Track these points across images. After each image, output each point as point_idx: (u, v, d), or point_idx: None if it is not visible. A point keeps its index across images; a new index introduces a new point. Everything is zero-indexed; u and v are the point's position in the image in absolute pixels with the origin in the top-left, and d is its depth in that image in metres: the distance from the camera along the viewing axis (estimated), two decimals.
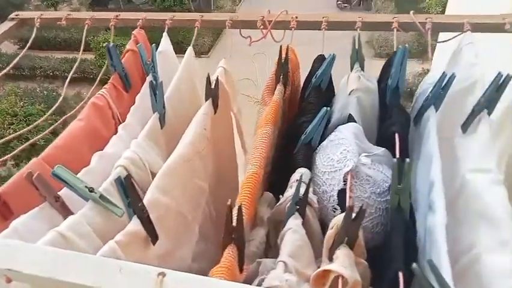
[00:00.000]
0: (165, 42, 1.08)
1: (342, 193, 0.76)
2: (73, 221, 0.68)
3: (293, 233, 0.66)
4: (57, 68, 9.01)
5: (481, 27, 0.97)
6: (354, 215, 0.61)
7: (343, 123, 0.87)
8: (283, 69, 0.92)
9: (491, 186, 0.71)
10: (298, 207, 0.70)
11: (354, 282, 0.59)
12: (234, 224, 0.61)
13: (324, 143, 0.85)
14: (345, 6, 10.97)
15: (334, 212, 0.78)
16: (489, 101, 0.80)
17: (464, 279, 0.70)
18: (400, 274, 0.59)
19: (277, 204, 0.78)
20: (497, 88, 0.80)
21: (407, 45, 0.87)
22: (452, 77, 0.83)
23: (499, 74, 0.78)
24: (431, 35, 0.98)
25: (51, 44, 9.76)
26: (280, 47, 0.90)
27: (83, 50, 1.16)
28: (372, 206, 0.78)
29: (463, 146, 0.82)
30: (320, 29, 1.02)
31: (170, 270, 0.53)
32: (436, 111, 0.88)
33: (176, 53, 1.13)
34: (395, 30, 0.99)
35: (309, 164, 0.82)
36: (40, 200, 0.73)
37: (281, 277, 0.57)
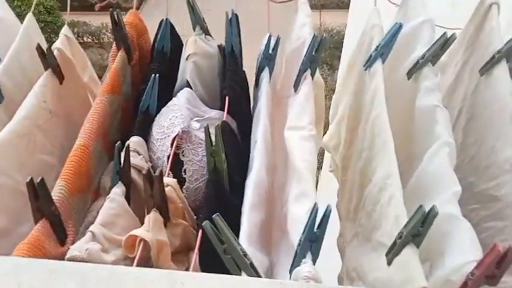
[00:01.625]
0: (3, 8, 1.01)
1: (173, 160, 0.80)
2: None
3: (110, 201, 0.69)
4: None
5: None
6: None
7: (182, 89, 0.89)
8: (120, 34, 0.90)
9: (301, 142, 0.77)
10: (119, 176, 0.73)
11: (159, 243, 0.64)
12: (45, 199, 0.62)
13: (163, 110, 0.87)
14: None
15: (168, 177, 0.82)
16: (310, 61, 0.86)
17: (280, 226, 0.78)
18: (200, 233, 0.65)
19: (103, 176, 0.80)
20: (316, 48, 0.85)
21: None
22: (278, 39, 0.87)
23: (315, 36, 0.83)
24: None
25: None
26: (111, 11, 0.88)
27: None
28: (204, 168, 0.82)
29: (291, 105, 0.88)
30: None
31: None
32: (271, 71, 0.92)
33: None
34: None
35: (144, 132, 0.84)
36: None
37: (81, 247, 0.60)
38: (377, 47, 0.88)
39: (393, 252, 0.65)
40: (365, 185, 0.88)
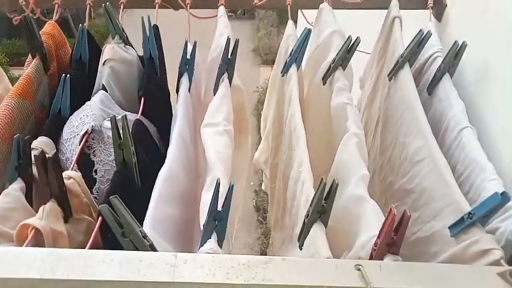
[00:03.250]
0: None
1: (80, 157, 0.77)
2: None
3: (4, 196, 0.64)
4: None
5: None
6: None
7: None
8: (33, 43, 0.89)
9: (214, 136, 0.77)
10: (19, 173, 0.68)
11: (54, 233, 0.60)
12: None
13: (75, 112, 0.85)
14: (231, 15, 11.67)
15: None
16: (226, 64, 0.88)
17: None
18: (100, 219, 0.61)
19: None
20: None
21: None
22: (195, 45, 0.90)
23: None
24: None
25: None
26: (24, 20, 0.87)
27: None
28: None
29: (209, 107, 0.89)
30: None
31: None
32: (190, 76, 0.93)
33: None
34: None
35: (55, 135, 0.81)
36: None
37: None
38: (291, 52, 0.93)
39: (303, 234, 0.64)
40: (286, 185, 0.89)
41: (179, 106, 0.85)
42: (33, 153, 0.69)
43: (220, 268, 0.49)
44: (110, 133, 0.80)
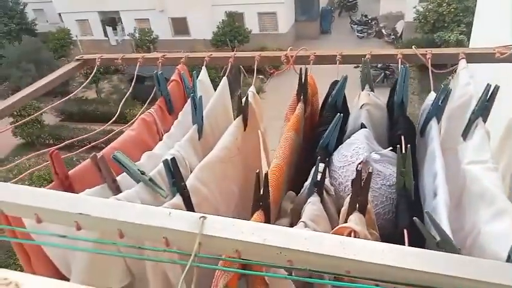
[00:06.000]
0: (203, 73, 1.27)
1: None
2: (127, 193, 0.81)
3: (312, 205, 0.77)
4: (95, 138, 9.59)
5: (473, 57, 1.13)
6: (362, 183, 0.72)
7: (355, 131, 1.01)
8: (303, 89, 1.08)
9: (487, 171, 0.81)
10: (316, 188, 0.82)
11: (365, 236, 0.69)
12: (261, 192, 0.73)
13: (340, 146, 0.98)
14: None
15: None
16: (482, 109, 0.93)
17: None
18: (405, 231, 0.69)
19: (299, 195, 0.90)
20: (487, 98, 0.93)
21: (407, 65, 1.03)
22: (449, 91, 0.97)
23: (488, 85, 0.92)
24: (431, 63, 1.14)
25: (90, 116, 10.54)
26: (300, 70, 1.07)
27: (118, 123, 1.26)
28: (383, 196, 0.88)
29: (463, 149, 0.94)
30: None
31: (209, 214, 0.64)
32: (438, 122, 1.00)
33: None
34: (399, 60, 1.15)
35: (326, 163, 0.95)
36: (101, 182, 0.87)
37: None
38: None
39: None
40: None
41: (436, 145, 0.92)
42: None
43: None
44: (375, 165, 0.91)
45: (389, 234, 0.82)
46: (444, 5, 11.76)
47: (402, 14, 14.35)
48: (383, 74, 10.67)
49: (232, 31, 12.89)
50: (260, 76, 12.28)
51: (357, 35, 14.54)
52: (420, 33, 12.44)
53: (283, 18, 14.43)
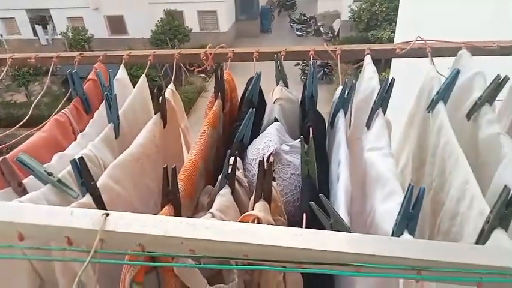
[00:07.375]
0: (121, 72, 1.26)
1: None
2: (32, 195, 0.79)
3: (221, 196, 0.80)
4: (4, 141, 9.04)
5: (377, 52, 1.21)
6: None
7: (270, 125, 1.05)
8: (219, 86, 1.10)
9: (383, 157, 0.88)
10: (227, 181, 0.85)
11: (269, 222, 0.73)
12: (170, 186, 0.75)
13: (254, 140, 1.02)
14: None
15: None
16: (381, 100, 1.01)
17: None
18: (304, 215, 0.73)
19: (214, 188, 0.92)
20: (386, 90, 1.01)
21: (316, 61, 1.09)
22: (353, 85, 1.04)
23: (386, 79, 1.00)
24: (340, 60, 1.21)
25: (19, 121, 9.86)
26: (216, 67, 1.10)
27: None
28: (292, 184, 0.93)
29: (365, 138, 1.01)
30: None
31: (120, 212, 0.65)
32: (345, 114, 1.07)
33: None
34: (311, 57, 1.21)
35: (241, 156, 0.98)
36: (4, 186, 0.84)
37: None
38: (438, 91, 1.03)
39: (482, 239, 0.70)
40: (437, 211, 0.95)
41: (341, 134, 0.98)
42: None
43: None
44: (285, 155, 0.95)
45: (298, 221, 0.87)
46: (376, 4, 12.42)
47: (338, 13, 14.95)
48: (322, 71, 11.04)
49: (171, 30, 12.69)
50: (202, 75, 12.21)
51: (297, 34, 14.96)
52: (355, 32, 13.03)
53: (224, 16, 14.47)
